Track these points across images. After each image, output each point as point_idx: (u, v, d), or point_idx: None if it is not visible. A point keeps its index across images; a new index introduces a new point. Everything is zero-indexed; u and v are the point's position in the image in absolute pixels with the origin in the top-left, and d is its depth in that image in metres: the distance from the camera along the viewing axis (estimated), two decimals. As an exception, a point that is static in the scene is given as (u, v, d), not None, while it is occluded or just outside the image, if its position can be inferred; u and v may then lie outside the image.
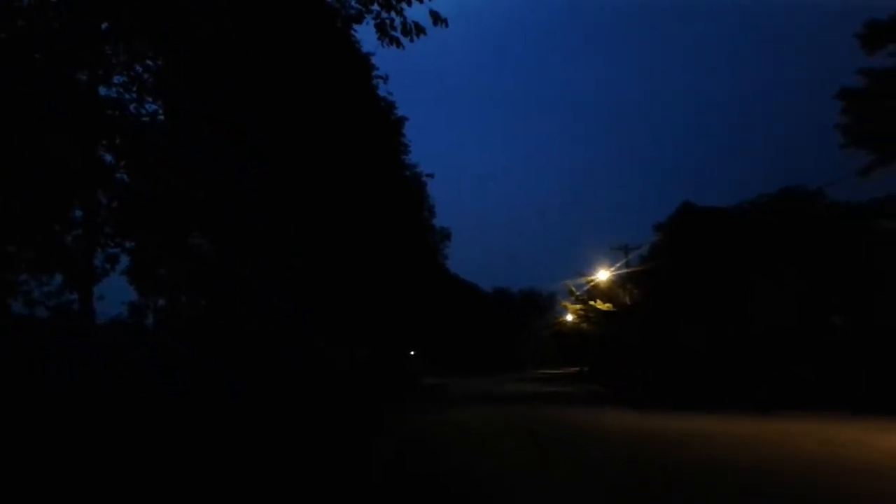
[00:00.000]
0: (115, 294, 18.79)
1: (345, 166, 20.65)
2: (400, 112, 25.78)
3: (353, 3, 13.92)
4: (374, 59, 21.87)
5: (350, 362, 30.28)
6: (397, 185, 28.87)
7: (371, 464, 11.97)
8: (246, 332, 18.31)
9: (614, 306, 54.61)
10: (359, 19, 13.32)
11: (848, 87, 23.38)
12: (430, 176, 33.96)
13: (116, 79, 17.27)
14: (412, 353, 63.47)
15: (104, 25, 15.74)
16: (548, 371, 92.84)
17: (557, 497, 8.50)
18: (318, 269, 21.64)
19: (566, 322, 70.80)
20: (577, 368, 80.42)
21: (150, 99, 17.36)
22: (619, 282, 56.65)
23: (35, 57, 14.55)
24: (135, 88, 17.20)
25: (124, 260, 18.03)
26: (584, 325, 62.10)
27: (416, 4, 9.94)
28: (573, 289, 64.42)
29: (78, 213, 16.15)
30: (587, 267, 64.90)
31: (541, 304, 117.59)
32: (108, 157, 17.62)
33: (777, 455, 11.90)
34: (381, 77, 22.14)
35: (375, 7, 10.44)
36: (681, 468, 10.50)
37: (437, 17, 9.83)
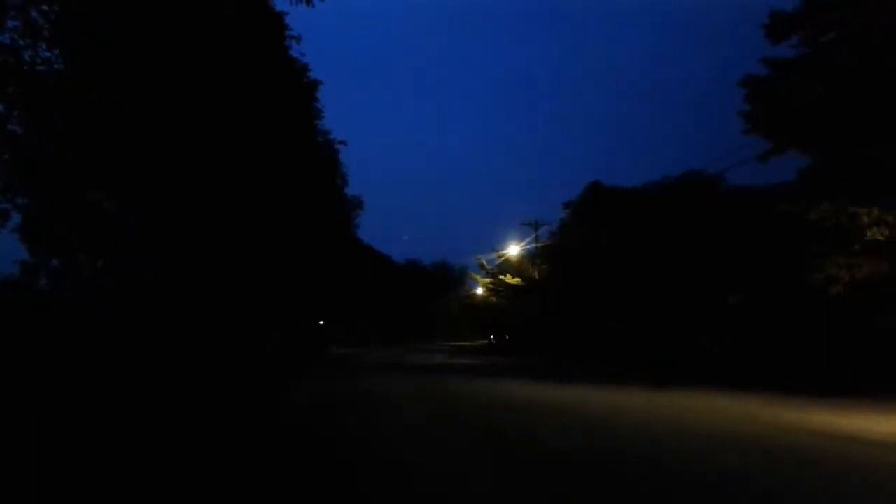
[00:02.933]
0: (5, 253, 17.78)
1: (252, 122, 20.11)
2: (314, 76, 25.22)
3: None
4: (289, 18, 21.28)
5: (254, 329, 29.80)
6: (307, 147, 28.35)
7: (274, 427, 11.92)
8: (145, 296, 17.72)
9: (523, 281, 55.74)
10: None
11: (752, 74, 24.38)
12: (343, 143, 33.46)
13: (10, 24, 16.22)
14: (321, 322, 62.92)
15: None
16: (458, 343, 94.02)
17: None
18: (223, 231, 21.09)
19: (476, 295, 71.80)
20: (487, 342, 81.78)
21: (45, 46, 16.39)
22: (529, 257, 57.83)
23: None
24: (30, 34, 16.20)
25: (16, 217, 17.04)
26: (494, 299, 63.14)
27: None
28: (484, 263, 65.32)
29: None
30: (499, 242, 65.91)
31: (452, 278, 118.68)
32: (0, 107, 16.59)
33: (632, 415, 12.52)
34: (294, 37, 21.56)
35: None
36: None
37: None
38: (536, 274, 54.51)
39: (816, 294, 23.14)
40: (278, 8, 20.44)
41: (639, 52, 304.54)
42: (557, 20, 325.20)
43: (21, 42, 16.29)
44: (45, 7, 15.61)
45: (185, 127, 16.81)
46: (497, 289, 61.18)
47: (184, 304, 18.92)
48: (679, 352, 34.96)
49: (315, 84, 25.38)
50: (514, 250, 59.85)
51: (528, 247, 56.63)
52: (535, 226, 53.77)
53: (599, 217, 42.55)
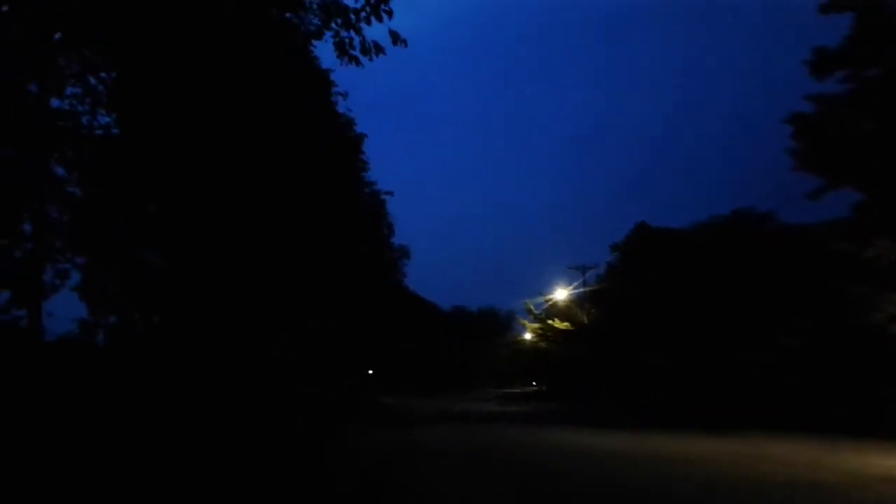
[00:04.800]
0: (65, 311, 18.28)
1: (301, 181, 20.51)
2: (360, 129, 25.78)
3: (312, 19, 13.86)
4: (336, 77, 21.87)
5: (307, 381, 29.92)
6: (353, 199, 28.77)
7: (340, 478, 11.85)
8: (202, 351, 17.97)
9: (572, 325, 55.06)
10: (318, 35, 13.28)
11: (798, 111, 24.05)
12: (389, 193, 33.95)
13: (69, 90, 16.98)
14: (370, 371, 62.97)
15: (57, 36, 15.47)
16: (507, 390, 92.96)
17: None
18: (274, 284, 21.38)
19: (525, 341, 71.09)
20: (536, 387, 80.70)
21: (103, 111, 17.09)
22: (577, 301, 57.21)
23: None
24: (88, 100, 16.92)
25: (75, 276, 17.58)
26: (543, 344, 62.43)
27: (375, 24, 9.96)
28: (532, 308, 64.81)
29: (27, 226, 15.73)
30: (545, 286, 65.47)
31: (499, 323, 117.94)
32: (60, 170, 17.27)
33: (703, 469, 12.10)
34: (340, 94, 22.11)
35: (335, 25, 10.43)
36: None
37: (396, 37, 9.90)
38: (585, 318, 53.86)
39: (875, 333, 22.35)
40: (325, 64, 21.04)
41: (684, 91, 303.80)
42: (600, 64, 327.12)
43: (80, 108, 17.07)
44: (102, 74, 16.34)
45: (236, 186, 17.22)
46: (545, 334, 60.52)
47: (238, 362, 19.13)
48: (732, 394, 33.91)
49: (360, 137, 25.93)
50: (561, 294, 59.35)
51: (576, 291, 56.13)
52: (583, 269, 53.40)
53: (647, 259, 41.99)
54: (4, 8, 14.26)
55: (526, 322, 68.13)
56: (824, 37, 23.20)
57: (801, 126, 24.25)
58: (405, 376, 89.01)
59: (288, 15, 16.03)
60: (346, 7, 10.18)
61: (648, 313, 40.61)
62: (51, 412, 13.08)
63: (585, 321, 53.44)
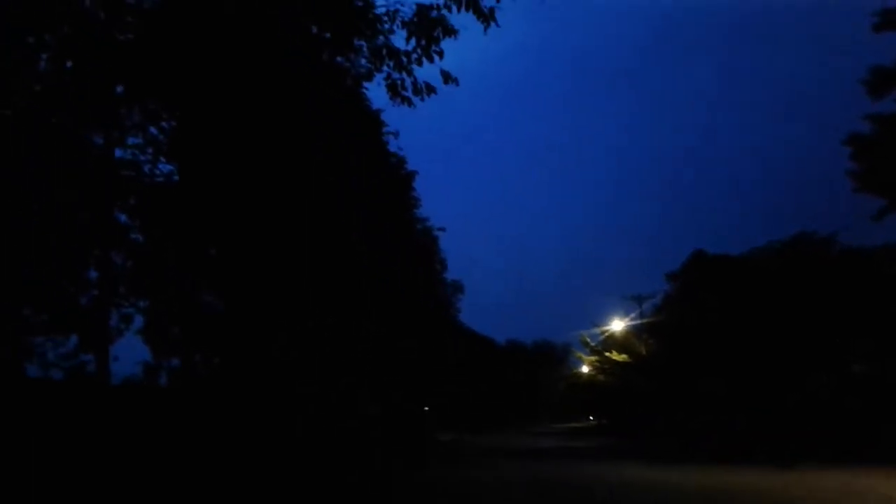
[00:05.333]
0: (129, 354, 18.71)
1: (354, 221, 20.75)
2: (411, 166, 26.06)
3: (363, 62, 14.11)
4: (385, 114, 22.19)
5: (364, 420, 29.93)
6: (407, 239, 28.95)
7: None
8: (261, 392, 18.16)
9: (630, 357, 54.02)
10: (369, 77, 13.50)
11: (857, 132, 23.47)
12: (442, 229, 34.11)
13: (131, 140, 17.61)
14: (426, 408, 62.67)
15: (119, 88, 16.08)
16: (564, 424, 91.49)
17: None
18: (331, 325, 21.56)
19: (582, 374, 70.03)
20: (595, 421, 79.21)
21: (164, 159, 17.65)
22: (634, 332, 56.21)
23: (52, 121, 14.84)
24: (149, 149, 17.51)
25: (138, 319, 18.03)
26: (601, 377, 61.37)
27: (426, 63, 10.09)
28: (588, 340, 63.89)
29: (93, 273, 16.23)
30: (601, 317, 64.52)
31: (555, 356, 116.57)
32: (123, 217, 17.83)
33: None
34: (391, 133, 22.45)
35: (387, 68, 10.60)
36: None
37: (447, 77, 10.01)
38: (644, 349, 52.82)
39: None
40: (376, 105, 21.39)
41: (738, 117, 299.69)
42: (652, 91, 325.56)
43: (141, 157, 17.66)
44: (163, 123, 16.91)
45: (292, 227, 17.49)
46: (603, 366, 59.51)
47: (302, 401, 19.27)
48: (798, 421, 32.69)
49: (411, 175, 26.17)
50: (618, 326, 58.40)
51: (633, 321, 55.19)
52: (639, 300, 52.55)
53: (705, 286, 41.11)
54: (69, 64, 14.93)
55: (582, 355, 67.17)
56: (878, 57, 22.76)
57: (859, 146, 23.67)
58: (460, 412, 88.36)
59: (339, 59, 16.39)
60: (398, 50, 10.35)
61: (708, 342, 39.64)
62: (119, 454, 13.31)
63: (644, 352, 52.41)
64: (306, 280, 19.41)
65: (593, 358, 62.62)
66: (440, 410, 73.86)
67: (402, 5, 9.92)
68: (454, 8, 8.99)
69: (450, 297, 46.67)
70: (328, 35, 14.34)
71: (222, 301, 18.08)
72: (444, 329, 46.09)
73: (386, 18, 10.24)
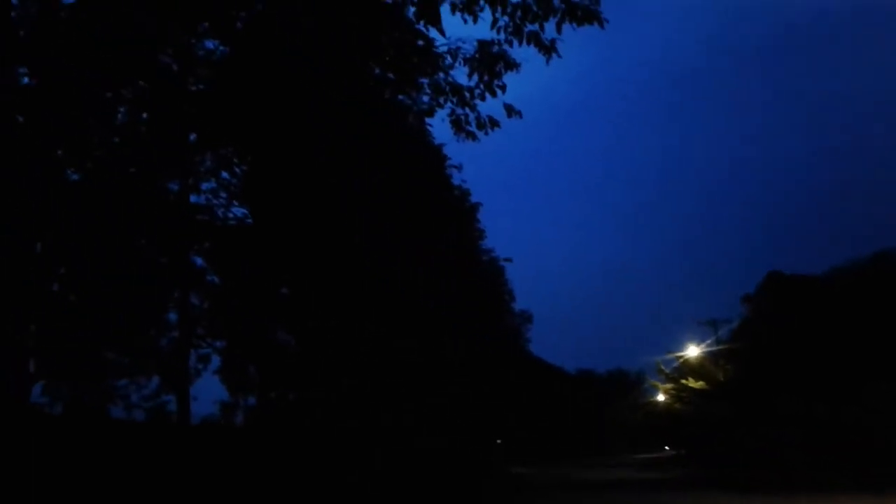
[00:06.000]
0: (207, 393, 19.17)
1: (419, 255, 20.88)
2: (475, 197, 26.18)
3: (424, 99, 14.24)
4: (451, 148, 22.35)
5: (437, 453, 29.78)
6: (473, 271, 28.94)
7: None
8: (336, 428, 18.32)
9: (708, 384, 52.35)
10: (430, 113, 13.61)
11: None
12: (508, 260, 34.02)
13: (205, 185, 18.24)
14: (498, 441, 62.03)
15: (192, 136, 16.70)
16: (639, 455, 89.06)
17: None
18: (401, 359, 21.63)
19: (657, 402, 68.20)
20: (672, 451, 76.84)
21: (236, 203, 18.21)
22: (710, 357, 54.52)
23: (130, 170, 15.49)
24: (223, 194, 18.10)
25: (215, 359, 18.52)
26: (677, 405, 59.64)
27: (489, 97, 10.13)
28: (662, 367, 62.30)
29: (172, 315, 16.76)
30: (675, 343, 62.88)
31: (628, 385, 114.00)
32: (199, 261, 18.41)
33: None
34: (455, 166, 22.63)
35: (449, 104, 10.69)
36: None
37: (510, 110, 10.03)
38: (721, 375, 51.16)
39: None
40: (438, 139, 21.58)
41: (807, 129, 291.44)
42: (719, 112, 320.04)
43: (215, 201, 18.26)
44: (235, 168, 17.46)
45: (360, 264, 17.72)
46: (679, 394, 57.82)
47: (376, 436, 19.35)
48: (888, 450, 30.95)
49: (475, 207, 26.25)
50: (692, 351, 56.79)
51: (709, 347, 53.64)
52: (713, 324, 51.07)
53: (783, 308, 39.70)
54: (145, 115, 15.59)
55: (657, 383, 65.55)
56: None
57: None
58: (531, 444, 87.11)
59: (401, 97, 16.65)
60: (460, 86, 10.43)
61: (788, 365, 38.17)
62: (201, 494, 13.55)
63: (721, 378, 50.70)
64: (374, 315, 19.58)
65: (669, 385, 60.98)
66: (512, 443, 72.98)
67: (464, 42, 10.01)
68: (515, 42, 9.01)
69: (518, 328, 46.34)
70: (391, 75, 14.60)
71: (296, 338, 18.38)
72: (513, 360, 45.71)
73: (448, 56, 10.35)
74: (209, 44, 15.52)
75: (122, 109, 14.97)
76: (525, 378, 55.90)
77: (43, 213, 11.20)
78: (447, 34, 9.70)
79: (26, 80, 12.78)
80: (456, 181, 23.69)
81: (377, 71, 15.23)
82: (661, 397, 65.42)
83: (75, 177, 14.22)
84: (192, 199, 17.04)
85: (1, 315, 9.64)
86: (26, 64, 11.28)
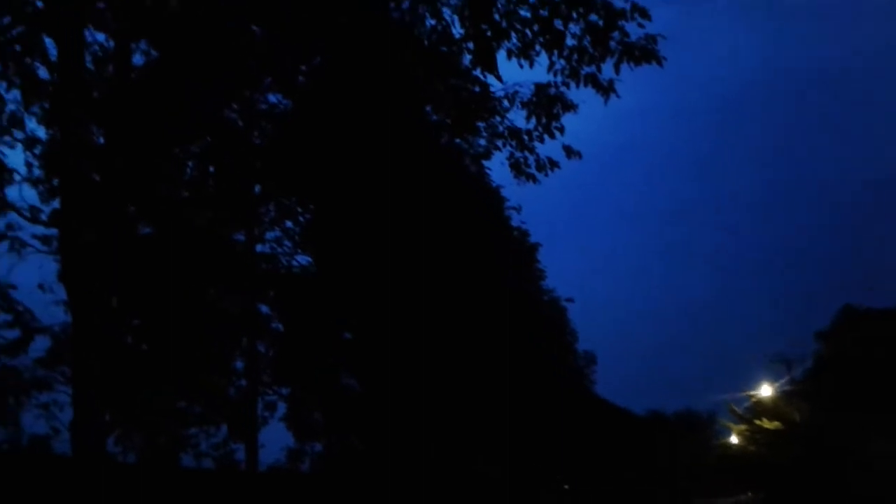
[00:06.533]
0: (274, 441, 19.33)
1: (481, 298, 20.80)
2: (535, 237, 26.09)
3: (481, 142, 14.31)
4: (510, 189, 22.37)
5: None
6: (534, 312, 28.67)
7: None
8: (402, 473, 18.19)
9: (783, 425, 50.33)
10: (487, 156, 13.68)
11: None
12: (570, 300, 33.62)
13: (269, 235, 18.69)
14: (566, 486, 60.67)
15: (257, 188, 17.18)
16: (714, 499, 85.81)
17: None
18: (463, 403, 21.46)
19: (731, 444, 65.80)
20: (750, 495, 73.81)
21: (300, 251, 18.56)
22: (785, 397, 52.53)
23: (196, 222, 15.96)
24: (286, 242, 18.50)
25: (281, 406, 18.72)
26: (752, 447, 57.44)
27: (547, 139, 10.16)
28: (735, 408, 60.19)
29: (239, 364, 17.06)
30: (746, 382, 60.80)
31: (699, 426, 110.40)
32: (265, 309, 18.74)
33: None
34: (513, 208, 22.66)
35: (508, 147, 10.76)
36: None
37: (570, 151, 10.03)
38: (797, 416, 49.14)
39: None
40: (497, 179, 21.65)
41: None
42: (779, 140, 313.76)
43: (279, 250, 18.67)
44: (299, 217, 17.85)
45: (421, 308, 17.76)
46: (753, 435, 55.68)
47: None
48: None
49: (534, 247, 26.15)
50: (766, 391, 54.78)
51: (783, 386, 51.69)
52: (787, 362, 49.24)
53: (863, 344, 38.11)
54: (211, 169, 16.11)
55: (730, 423, 63.32)
56: None
57: None
58: (597, 488, 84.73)
59: (458, 141, 16.84)
60: (518, 129, 10.49)
61: (872, 404, 36.46)
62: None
63: (797, 419, 48.69)
64: (435, 359, 19.52)
65: (742, 427, 58.84)
66: (578, 486, 71.23)
67: (521, 87, 10.08)
68: (572, 84, 9.04)
69: (582, 369, 45.55)
70: (447, 120, 14.80)
71: (361, 384, 18.45)
72: (577, 401, 44.88)
73: (505, 100, 10.44)
74: (272, 98, 16.04)
75: (190, 164, 15.50)
76: (590, 420, 54.72)
77: (117, 268, 11.60)
78: (504, 79, 9.80)
79: (101, 139, 13.39)
80: (515, 222, 23.70)
81: (434, 117, 15.48)
82: (734, 439, 63.05)
83: (146, 230, 14.71)
84: (258, 248, 17.46)
85: (79, 368, 9.96)
86: (100, 124, 11.79)
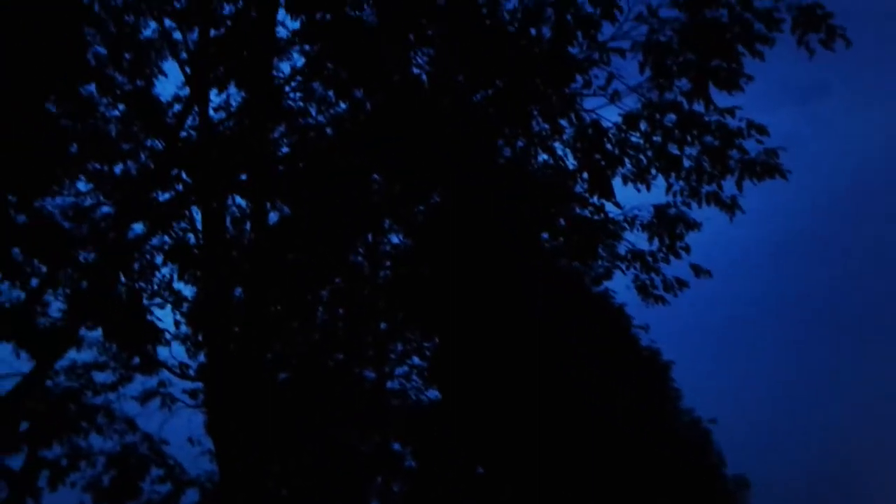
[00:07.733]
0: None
1: (615, 422, 20.01)
2: (668, 354, 25.10)
3: (601, 263, 14.18)
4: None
5: None
6: (670, 434, 27.17)
7: None
8: None
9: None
10: (608, 276, 13.51)
11: None
12: (713, 421, 31.56)
13: (398, 370, 18.94)
14: None
15: (383, 325, 17.62)
16: None
17: None
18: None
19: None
20: None
21: (427, 384, 18.63)
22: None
23: (328, 363, 16.44)
24: (414, 377, 18.66)
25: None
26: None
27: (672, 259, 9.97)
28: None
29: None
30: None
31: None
32: (396, 445, 18.72)
33: None
34: (641, 327, 22.07)
35: (633, 269, 10.62)
36: None
37: (698, 270, 9.76)
38: None
39: None
40: (620, 298, 21.23)
41: None
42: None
43: (407, 385, 18.82)
44: (426, 351, 18.07)
45: (552, 437, 17.28)
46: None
47: None
48: None
49: (668, 365, 25.15)
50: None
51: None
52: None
53: None
54: (340, 311, 16.73)
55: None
56: None
57: None
58: None
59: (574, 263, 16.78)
60: (641, 251, 10.36)
61: None
62: None
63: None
64: (571, 489, 18.72)
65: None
66: None
67: (640, 210, 10.01)
68: (694, 204, 8.94)
69: (733, 494, 42.06)
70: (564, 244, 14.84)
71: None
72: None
73: (624, 223, 10.38)
74: (394, 238, 16.71)
75: (320, 309, 16.16)
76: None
77: (258, 416, 12.01)
78: (622, 203, 9.80)
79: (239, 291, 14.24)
80: (644, 342, 23.00)
81: (550, 244, 15.58)
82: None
83: (283, 375, 15.26)
84: (388, 385, 17.70)
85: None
86: (240, 280, 12.56)
